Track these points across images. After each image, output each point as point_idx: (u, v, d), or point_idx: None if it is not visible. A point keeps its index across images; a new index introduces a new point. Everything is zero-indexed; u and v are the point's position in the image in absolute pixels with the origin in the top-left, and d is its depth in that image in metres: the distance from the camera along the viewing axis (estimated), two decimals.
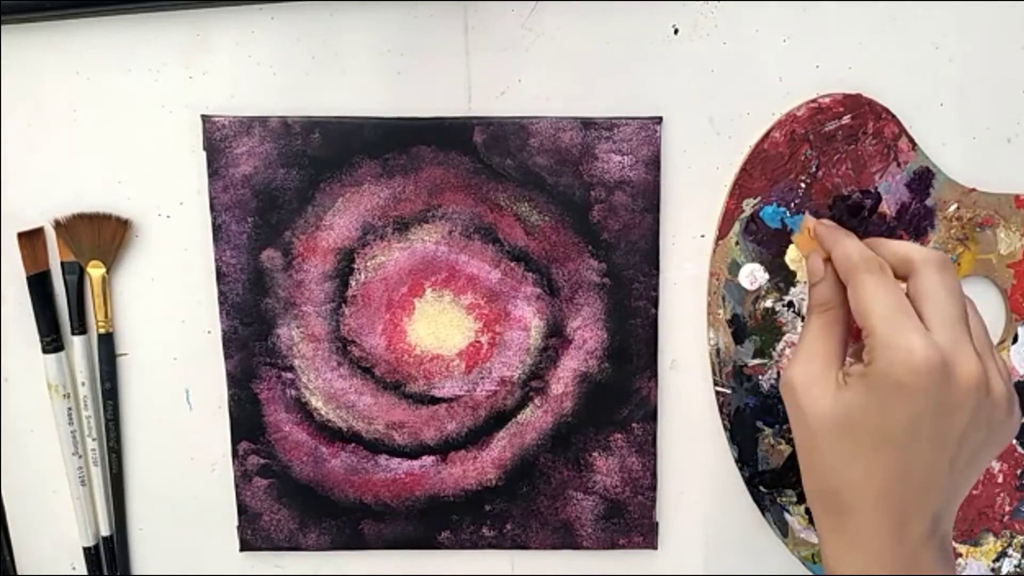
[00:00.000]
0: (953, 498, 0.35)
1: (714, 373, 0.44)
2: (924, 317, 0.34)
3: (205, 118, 0.41)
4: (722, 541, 0.46)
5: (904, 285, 0.36)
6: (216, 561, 0.46)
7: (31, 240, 0.42)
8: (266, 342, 0.43)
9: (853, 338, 0.38)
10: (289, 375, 0.44)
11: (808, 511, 0.44)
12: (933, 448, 0.34)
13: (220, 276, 0.43)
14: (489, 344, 0.43)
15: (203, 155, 0.42)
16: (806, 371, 0.36)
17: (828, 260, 0.38)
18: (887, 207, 0.42)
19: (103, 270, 0.43)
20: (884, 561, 0.34)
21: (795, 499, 0.44)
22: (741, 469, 0.44)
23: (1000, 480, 0.44)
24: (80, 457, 0.45)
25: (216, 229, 0.42)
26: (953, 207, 0.42)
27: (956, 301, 0.35)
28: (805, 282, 0.43)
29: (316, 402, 0.44)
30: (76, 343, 0.44)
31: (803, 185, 0.42)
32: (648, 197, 0.42)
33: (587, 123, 0.41)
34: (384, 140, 0.41)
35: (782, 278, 0.43)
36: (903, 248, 0.37)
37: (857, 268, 0.36)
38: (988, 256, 0.43)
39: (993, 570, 0.45)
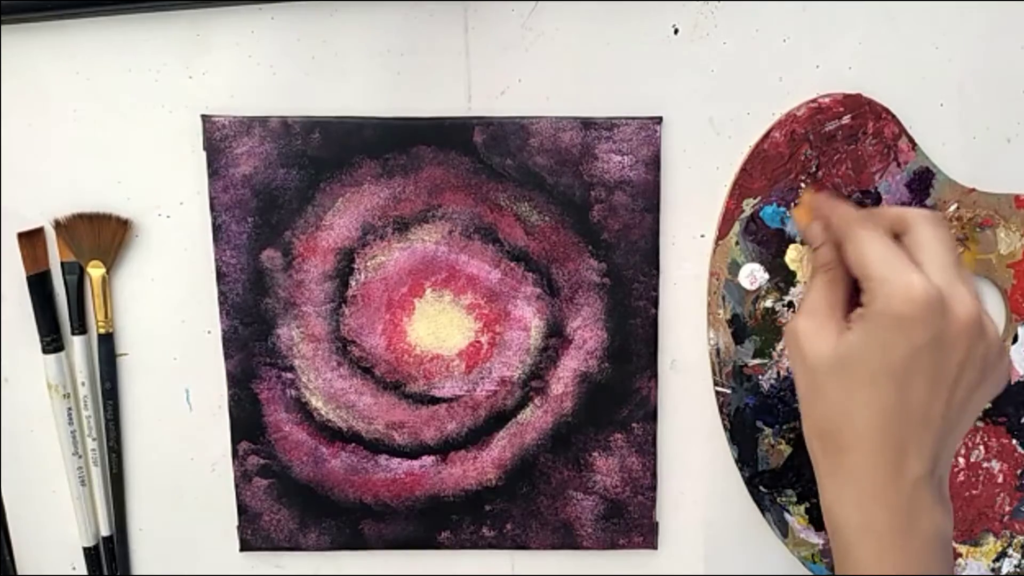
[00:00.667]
0: (949, 440, 0.36)
1: (714, 373, 0.44)
2: (919, 264, 0.35)
3: (205, 118, 0.41)
4: (722, 541, 0.46)
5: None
6: (216, 561, 0.46)
7: (31, 240, 0.42)
8: (266, 342, 0.43)
9: (853, 302, 0.38)
10: (289, 375, 0.44)
11: (808, 511, 0.44)
12: (930, 383, 0.34)
13: (220, 276, 0.43)
14: (489, 344, 0.44)
15: (203, 155, 0.42)
16: (809, 320, 0.37)
17: (827, 228, 0.39)
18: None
19: (103, 270, 0.43)
20: (882, 499, 0.35)
21: (795, 499, 0.44)
22: (741, 469, 0.44)
23: (1000, 480, 0.44)
24: (80, 457, 0.45)
25: (216, 229, 0.42)
26: (953, 207, 0.42)
27: (950, 249, 0.36)
28: (805, 282, 0.43)
29: (316, 402, 0.44)
30: (76, 343, 0.44)
31: (803, 185, 0.42)
32: (648, 197, 0.42)
33: (587, 123, 0.41)
34: (384, 140, 0.41)
35: (782, 278, 0.43)
36: (897, 209, 0.38)
37: (852, 224, 0.37)
38: (988, 256, 0.43)
39: (993, 570, 0.45)
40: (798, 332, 0.37)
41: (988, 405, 0.44)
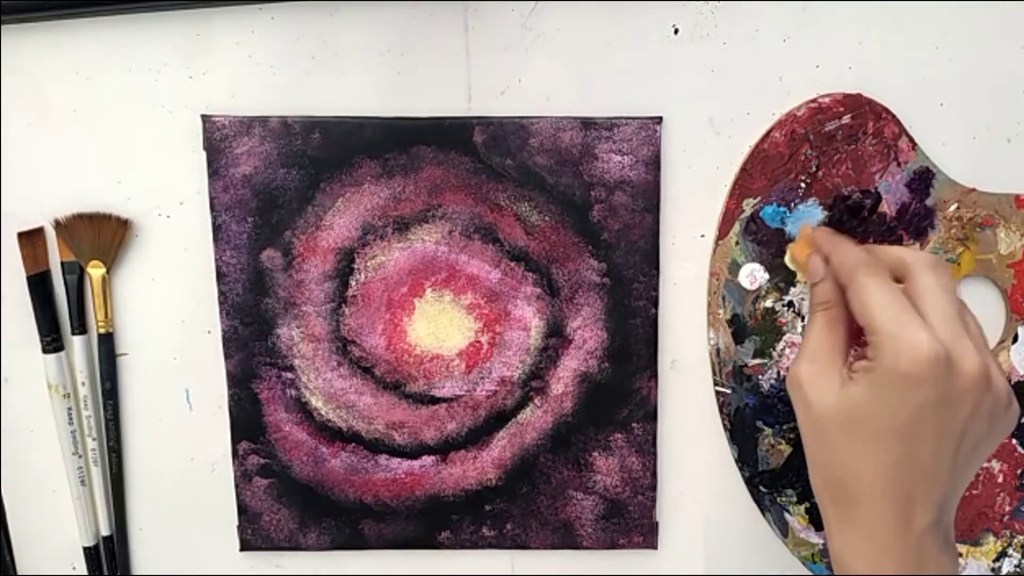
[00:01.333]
0: (955, 490, 0.36)
1: (714, 373, 0.44)
2: (923, 315, 0.35)
3: (205, 118, 0.41)
4: (722, 541, 0.46)
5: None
6: (216, 561, 0.46)
7: (31, 240, 0.42)
8: (266, 342, 0.43)
9: (854, 339, 0.38)
10: (289, 375, 0.44)
11: (808, 511, 0.44)
12: (937, 439, 0.34)
13: (220, 276, 0.43)
14: (489, 344, 0.44)
15: (203, 155, 0.42)
16: (811, 366, 0.37)
17: (827, 261, 0.38)
18: (887, 207, 0.42)
19: (103, 270, 0.43)
20: (891, 551, 0.35)
21: (795, 499, 0.44)
22: (741, 469, 0.44)
23: (1000, 480, 0.44)
24: (80, 457, 0.45)
25: (216, 229, 0.42)
26: (953, 207, 0.42)
27: (952, 299, 0.35)
28: (805, 282, 0.43)
29: (316, 402, 0.44)
30: (76, 343, 0.44)
31: (803, 185, 0.42)
32: (648, 197, 0.42)
33: (587, 123, 0.41)
34: (384, 140, 0.41)
35: (782, 278, 0.43)
36: (897, 252, 0.38)
37: (856, 271, 0.36)
38: (988, 256, 0.43)
39: (993, 570, 0.45)
40: (801, 380, 0.37)
41: None
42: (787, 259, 0.42)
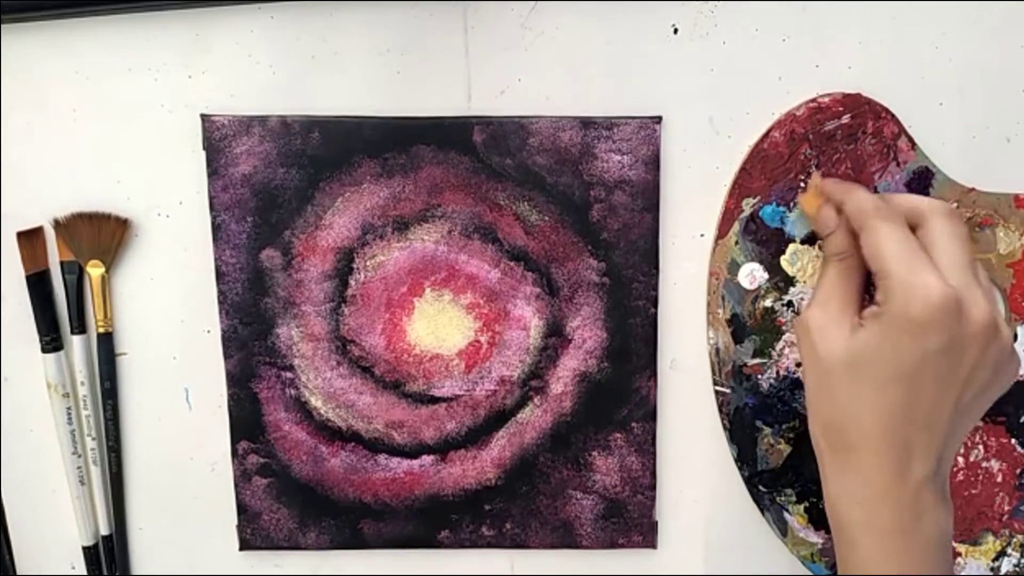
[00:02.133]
0: (953, 439, 0.36)
1: (713, 372, 0.44)
2: (935, 262, 0.35)
3: (204, 117, 0.41)
4: (721, 540, 0.46)
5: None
6: (215, 560, 0.46)
7: (30, 239, 0.42)
8: (265, 341, 0.43)
9: (867, 289, 0.38)
10: (289, 374, 0.44)
11: (807, 510, 0.44)
12: (940, 386, 0.35)
13: (220, 275, 0.43)
14: (488, 344, 0.44)
15: (202, 155, 0.42)
16: (822, 313, 0.37)
17: (839, 212, 0.38)
18: None
19: (102, 269, 0.43)
20: (887, 499, 0.35)
21: (794, 498, 0.45)
22: (740, 468, 0.44)
23: (999, 480, 0.44)
24: (79, 456, 0.45)
25: (216, 228, 0.42)
26: (952, 206, 0.42)
27: (965, 247, 0.36)
28: (804, 282, 0.43)
29: (316, 401, 0.44)
30: (75, 342, 0.44)
31: (802, 185, 0.42)
32: (648, 196, 0.42)
33: (587, 122, 0.41)
34: (384, 139, 0.41)
35: (781, 278, 0.43)
36: (911, 200, 0.38)
37: (870, 215, 0.36)
38: (987, 256, 0.43)
39: (992, 569, 0.45)
40: (810, 325, 0.37)
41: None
42: (798, 210, 0.42)
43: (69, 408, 0.44)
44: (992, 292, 0.37)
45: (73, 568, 0.47)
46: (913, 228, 0.37)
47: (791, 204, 0.42)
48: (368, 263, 0.43)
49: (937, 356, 0.34)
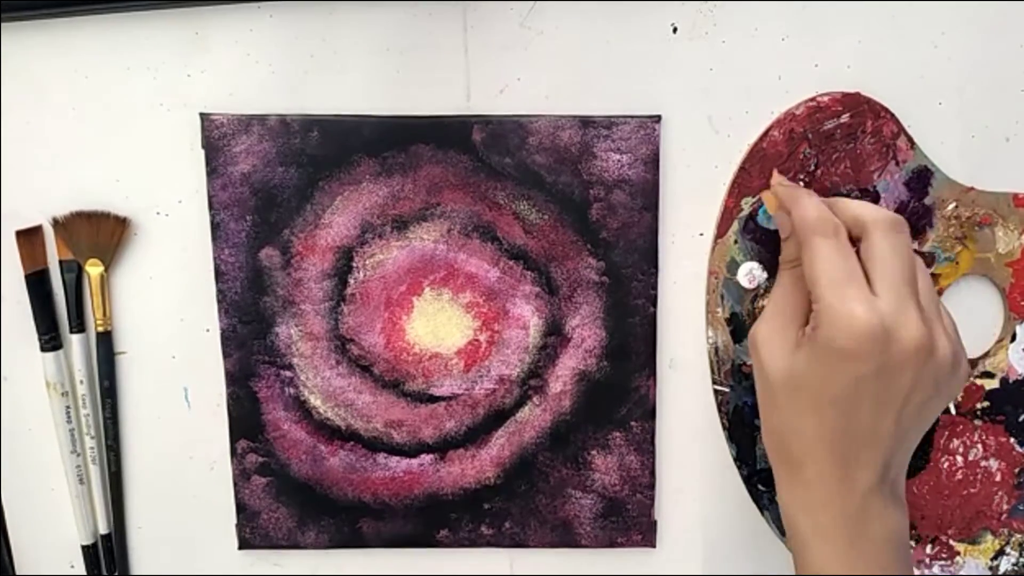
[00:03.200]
0: (901, 447, 0.36)
1: (713, 372, 0.44)
2: (871, 279, 0.35)
3: (204, 116, 0.41)
4: (721, 539, 0.46)
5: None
6: (215, 559, 0.46)
7: (29, 238, 0.42)
8: (265, 340, 0.43)
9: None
10: (288, 373, 0.44)
11: None
12: (876, 407, 0.35)
13: (219, 274, 0.43)
14: (488, 343, 0.44)
15: (202, 153, 0.42)
16: (769, 327, 0.37)
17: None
18: (886, 206, 0.42)
19: (101, 268, 0.43)
20: (832, 508, 0.36)
21: None
22: (739, 467, 0.44)
23: (998, 479, 0.44)
24: (79, 455, 0.45)
25: (215, 227, 0.42)
26: (951, 206, 0.42)
27: (904, 264, 0.35)
28: None
29: (315, 400, 0.44)
30: (74, 341, 0.44)
31: (802, 184, 0.42)
32: (647, 196, 0.42)
33: (586, 122, 0.41)
34: (383, 138, 0.41)
35: None
36: (857, 208, 0.37)
37: (811, 231, 0.36)
38: (987, 255, 0.43)
39: (991, 569, 0.45)
40: (757, 341, 0.38)
41: (986, 403, 0.44)
42: (764, 198, 0.41)
43: (68, 407, 0.44)
44: (933, 303, 0.36)
45: (72, 567, 0.47)
46: (857, 238, 0.36)
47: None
48: (367, 262, 0.43)
49: (868, 381, 0.34)
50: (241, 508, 0.45)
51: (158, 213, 0.43)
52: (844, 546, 0.35)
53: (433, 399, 0.44)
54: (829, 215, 0.37)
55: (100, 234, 0.42)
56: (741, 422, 0.44)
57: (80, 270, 0.43)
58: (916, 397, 0.35)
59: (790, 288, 0.38)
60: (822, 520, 0.36)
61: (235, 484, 0.45)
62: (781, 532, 0.45)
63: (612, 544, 0.45)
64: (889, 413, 0.35)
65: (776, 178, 0.41)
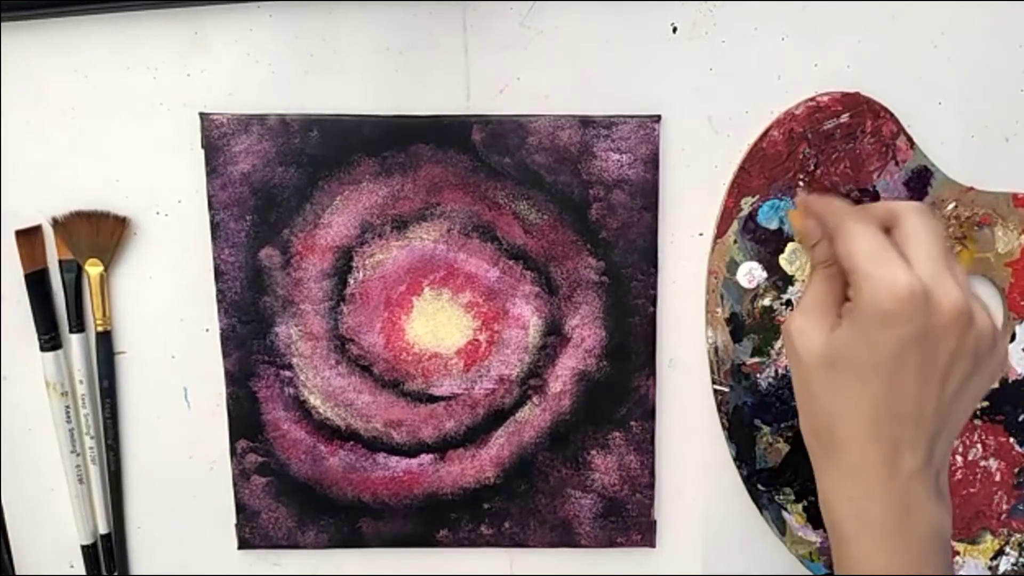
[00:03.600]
0: (945, 430, 0.36)
1: (712, 371, 0.44)
2: (907, 257, 0.35)
3: (203, 116, 0.41)
4: (720, 539, 0.46)
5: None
6: (214, 559, 0.46)
7: (29, 238, 0.42)
8: (264, 340, 0.43)
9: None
10: (287, 373, 0.44)
11: (806, 509, 0.45)
12: (920, 377, 0.34)
13: (218, 274, 0.43)
14: (488, 342, 0.44)
15: (201, 153, 0.42)
16: (803, 317, 0.37)
17: (822, 225, 0.38)
18: None
19: (101, 268, 0.43)
20: (877, 495, 0.35)
21: (793, 497, 0.45)
22: (739, 467, 0.44)
23: (998, 479, 0.44)
24: (78, 455, 0.44)
25: (214, 227, 0.42)
26: (951, 206, 0.42)
27: (938, 241, 0.35)
28: (803, 281, 0.43)
29: (314, 400, 0.44)
30: (74, 341, 0.44)
31: (801, 184, 0.42)
32: (647, 195, 0.42)
33: (586, 121, 0.41)
34: (383, 138, 0.41)
35: (780, 276, 0.43)
36: (887, 205, 0.38)
37: (842, 217, 0.36)
38: (986, 255, 0.43)
39: (991, 568, 0.45)
40: (792, 331, 0.37)
41: (985, 403, 0.44)
42: (788, 224, 0.42)
43: (68, 407, 0.44)
44: (968, 284, 0.36)
45: (72, 567, 0.47)
46: (889, 230, 0.37)
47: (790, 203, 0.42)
48: (367, 262, 0.43)
49: (911, 346, 0.34)
50: (241, 508, 0.45)
51: (158, 213, 0.43)
52: (890, 538, 0.35)
53: (433, 399, 0.44)
54: (859, 207, 0.37)
55: (100, 234, 0.42)
56: (741, 422, 0.44)
57: (80, 270, 0.43)
58: (958, 368, 0.35)
59: (824, 284, 0.38)
60: (866, 509, 0.35)
61: (235, 484, 0.45)
62: (780, 532, 0.45)
63: (612, 544, 0.45)
64: (933, 385, 0.35)
65: (803, 194, 0.41)
